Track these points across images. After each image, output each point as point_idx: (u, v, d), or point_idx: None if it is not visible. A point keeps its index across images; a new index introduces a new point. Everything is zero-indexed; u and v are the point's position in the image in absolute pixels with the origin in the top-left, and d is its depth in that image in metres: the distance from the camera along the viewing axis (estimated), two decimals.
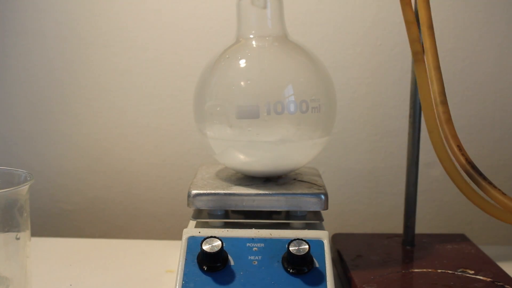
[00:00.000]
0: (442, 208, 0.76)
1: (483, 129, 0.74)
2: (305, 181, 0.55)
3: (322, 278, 0.46)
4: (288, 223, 0.53)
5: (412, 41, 0.52)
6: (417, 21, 0.52)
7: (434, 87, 0.48)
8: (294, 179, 0.56)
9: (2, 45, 0.74)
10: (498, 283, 0.51)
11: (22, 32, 0.74)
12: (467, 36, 0.72)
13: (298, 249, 0.46)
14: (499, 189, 0.46)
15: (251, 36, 0.54)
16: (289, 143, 0.51)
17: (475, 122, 0.74)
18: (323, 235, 0.49)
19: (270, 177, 0.56)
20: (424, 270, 0.54)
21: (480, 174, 0.46)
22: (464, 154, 0.47)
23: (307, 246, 0.46)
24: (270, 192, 0.51)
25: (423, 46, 0.51)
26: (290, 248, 0.46)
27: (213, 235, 0.48)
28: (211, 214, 0.53)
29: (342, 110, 0.73)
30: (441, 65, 0.49)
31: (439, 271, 0.54)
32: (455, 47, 0.72)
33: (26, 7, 0.73)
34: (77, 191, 0.78)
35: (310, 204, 0.51)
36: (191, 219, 0.53)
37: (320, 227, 0.52)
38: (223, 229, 0.50)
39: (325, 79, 0.54)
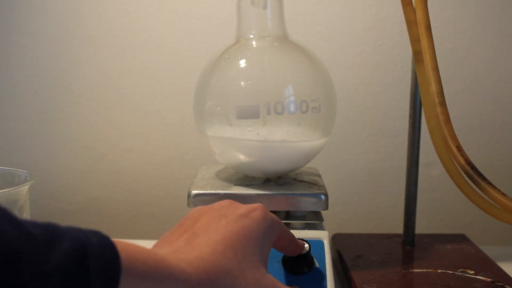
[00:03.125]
0: (442, 208, 0.76)
1: (483, 129, 0.74)
2: (305, 181, 0.55)
3: (322, 278, 0.46)
4: (288, 223, 0.53)
5: (413, 41, 0.52)
6: None
7: (432, 88, 0.48)
8: (294, 179, 0.56)
9: (4, 45, 0.74)
10: (498, 283, 0.51)
11: (24, 33, 0.74)
12: (467, 36, 0.72)
13: None
14: (499, 190, 0.46)
15: (251, 36, 0.54)
16: (289, 143, 0.51)
17: (475, 122, 0.74)
18: (323, 235, 0.49)
19: (270, 177, 0.56)
20: (424, 270, 0.54)
21: (480, 174, 0.46)
22: (463, 154, 0.47)
23: (307, 246, 0.46)
24: (270, 192, 0.51)
25: None
26: None
27: None
28: None
29: (342, 110, 0.73)
30: (441, 65, 0.49)
31: (439, 271, 0.54)
32: (455, 47, 0.72)
33: (29, 7, 0.73)
34: (77, 191, 0.78)
35: (310, 204, 0.51)
36: None
37: (320, 227, 0.52)
38: None
39: (325, 79, 0.54)
